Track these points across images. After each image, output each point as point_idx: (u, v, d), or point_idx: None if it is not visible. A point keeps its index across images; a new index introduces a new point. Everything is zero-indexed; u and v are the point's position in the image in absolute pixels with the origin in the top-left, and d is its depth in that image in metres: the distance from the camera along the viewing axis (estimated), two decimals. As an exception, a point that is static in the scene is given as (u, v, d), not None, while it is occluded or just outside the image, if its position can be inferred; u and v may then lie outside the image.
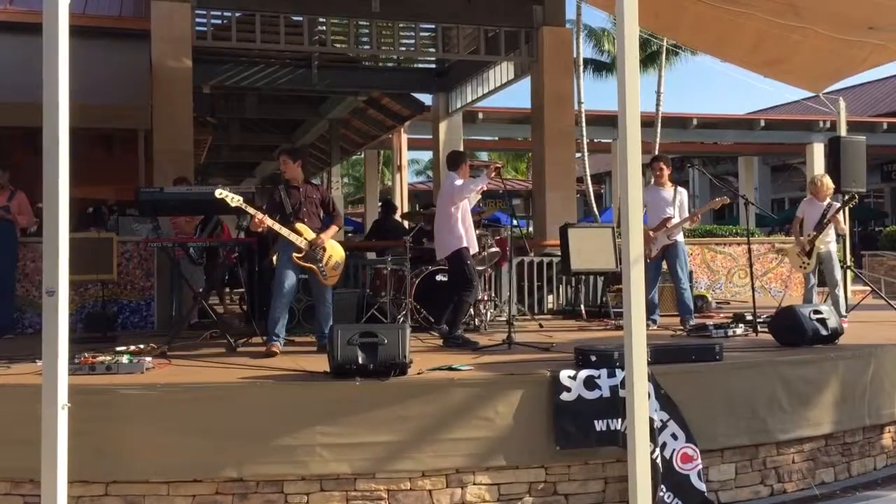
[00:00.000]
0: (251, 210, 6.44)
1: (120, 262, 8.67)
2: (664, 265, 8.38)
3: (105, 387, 4.92)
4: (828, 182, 8.76)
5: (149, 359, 5.65)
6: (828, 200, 8.62)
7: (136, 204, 7.66)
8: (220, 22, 10.48)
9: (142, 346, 6.28)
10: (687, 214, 8.36)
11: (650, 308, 7.80)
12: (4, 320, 8.12)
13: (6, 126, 9.54)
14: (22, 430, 4.42)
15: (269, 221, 6.44)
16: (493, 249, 8.53)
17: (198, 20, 9.99)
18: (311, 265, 6.60)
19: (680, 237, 8.30)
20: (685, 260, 8.37)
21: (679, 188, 8.48)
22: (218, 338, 7.19)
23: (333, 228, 6.85)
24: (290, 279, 6.54)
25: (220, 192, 6.38)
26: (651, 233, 8.06)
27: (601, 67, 24.32)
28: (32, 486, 4.54)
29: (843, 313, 8.40)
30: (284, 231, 6.51)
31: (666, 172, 8.37)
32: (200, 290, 7.83)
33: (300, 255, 6.54)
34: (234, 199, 6.38)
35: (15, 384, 5.01)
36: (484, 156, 32.85)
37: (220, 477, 4.79)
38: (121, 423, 4.77)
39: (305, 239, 6.56)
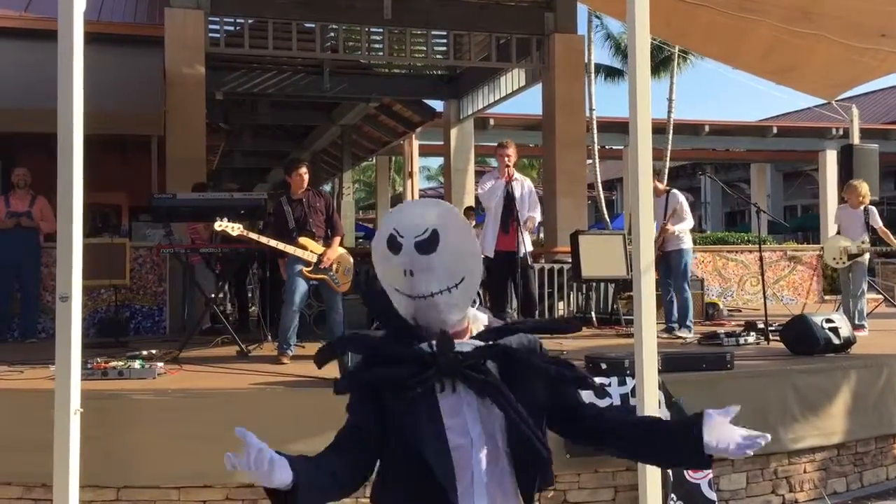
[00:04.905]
0: (253, 236, 6.51)
1: (133, 268, 8.72)
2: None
3: (117, 392, 4.95)
4: (866, 190, 8.65)
5: (161, 364, 5.68)
6: (863, 207, 8.55)
7: (149, 210, 7.71)
8: (232, 29, 10.56)
9: (154, 352, 6.31)
10: (686, 218, 8.07)
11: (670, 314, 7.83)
12: (28, 325, 8.22)
13: (21, 132, 9.61)
14: (35, 435, 4.44)
15: (272, 243, 6.49)
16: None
17: (211, 27, 10.05)
18: (322, 276, 6.63)
19: (686, 244, 8.11)
20: (681, 269, 8.05)
21: (672, 192, 8.17)
22: (230, 343, 7.22)
23: (336, 241, 6.83)
24: (301, 289, 6.57)
25: (219, 225, 6.41)
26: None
27: (613, 73, 24.30)
28: (44, 491, 4.55)
29: (864, 323, 8.34)
30: (290, 249, 6.52)
31: (658, 186, 7.90)
32: (213, 295, 7.86)
33: (309, 269, 6.56)
34: (235, 229, 6.40)
35: (28, 389, 5.05)
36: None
37: (232, 483, 4.81)
38: (132, 428, 4.79)
39: (312, 252, 6.58)
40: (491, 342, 1.89)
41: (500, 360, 1.87)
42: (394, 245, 1.84)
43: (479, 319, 1.97)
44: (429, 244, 1.83)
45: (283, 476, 1.67)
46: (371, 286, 1.94)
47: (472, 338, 1.91)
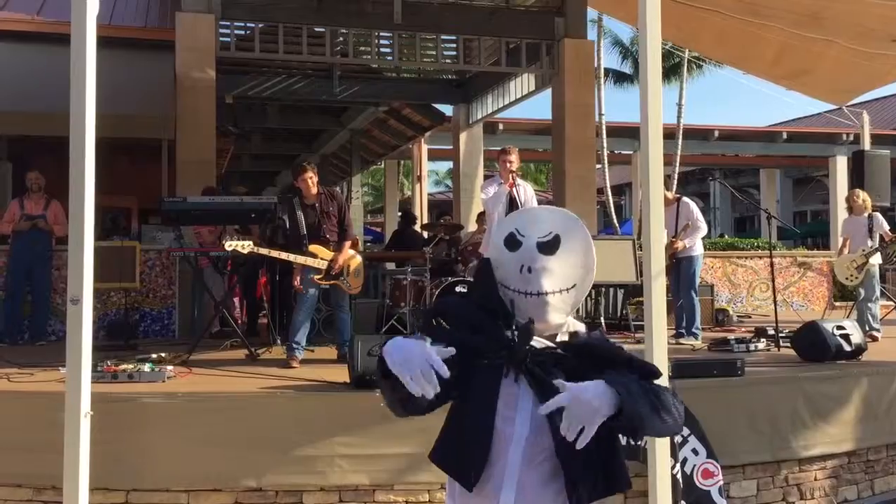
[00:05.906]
0: (263, 251, 6.55)
1: (142, 271, 8.74)
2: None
3: (127, 395, 4.96)
4: (864, 196, 8.63)
5: (170, 367, 5.69)
6: (866, 213, 8.50)
7: (159, 213, 7.72)
8: (243, 33, 10.57)
9: (163, 355, 6.32)
10: (699, 226, 8.05)
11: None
12: (39, 327, 8.25)
13: (33, 136, 9.65)
14: (45, 438, 4.45)
15: (283, 256, 6.52)
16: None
17: (221, 31, 10.07)
18: (334, 281, 6.65)
19: (696, 250, 8.08)
20: (689, 276, 8.08)
21: (683, 201, 8.16)
22: (239, 347, 7.22)
23: (346, 245, 6.81)
24: (312, 291, 6.58)
25: (229, 245, 6.46)
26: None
27: (622, 78, 24.29)
28: (54, 493, 4.56)
29: (877, 326, 8.33)
30: (301, 260, 6.53)
31: (667, 196, 7.86)
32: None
33: (320, 276, 6.56)
34: (245, 247, 6.48)
35: (39, 392, 5.06)
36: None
37: (240, 486, 4.81)
38: (142, 431, 4.80)
39: (322, 259, 6.58)
40: (565, 351, 1.93)
41: (571, 371, 1.90)
42: (512, 243, 1.96)
43: (577, 328, 2.01)
44: (551, 246, 1.95)
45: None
46: (486, 268, 2.03)
47: (555, 341, 1.96)
